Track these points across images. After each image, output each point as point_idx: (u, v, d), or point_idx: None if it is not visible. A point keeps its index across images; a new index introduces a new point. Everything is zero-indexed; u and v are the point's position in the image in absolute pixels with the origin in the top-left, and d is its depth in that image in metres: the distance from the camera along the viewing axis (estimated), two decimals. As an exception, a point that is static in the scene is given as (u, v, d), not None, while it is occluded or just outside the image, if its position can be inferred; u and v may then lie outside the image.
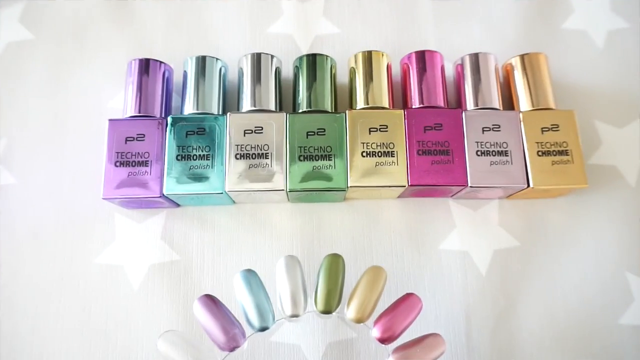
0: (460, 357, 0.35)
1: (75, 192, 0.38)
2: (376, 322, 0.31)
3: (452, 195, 0.38)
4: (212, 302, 0.30)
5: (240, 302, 0.30)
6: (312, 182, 0.34)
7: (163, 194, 0.34)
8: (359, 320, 0.30)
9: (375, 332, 0.30)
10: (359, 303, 0.31)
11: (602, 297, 0.37)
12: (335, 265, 0.32)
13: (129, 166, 0.35)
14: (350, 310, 0.31)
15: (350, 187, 0.34)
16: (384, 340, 0.30)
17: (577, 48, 0.43)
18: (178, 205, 0.38)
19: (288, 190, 0.34)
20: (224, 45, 0.43)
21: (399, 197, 0.38)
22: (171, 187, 0.34)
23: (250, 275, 0.31)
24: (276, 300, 0.31)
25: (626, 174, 0.40)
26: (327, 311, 0.31)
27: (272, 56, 0.38)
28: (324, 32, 0.43)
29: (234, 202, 0.38)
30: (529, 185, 0.35)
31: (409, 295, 0.31)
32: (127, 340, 0.35)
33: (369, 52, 0.38)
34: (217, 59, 0.38)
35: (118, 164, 0.35)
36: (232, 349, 0.29)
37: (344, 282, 0.32)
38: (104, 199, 0.34)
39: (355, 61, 0.38)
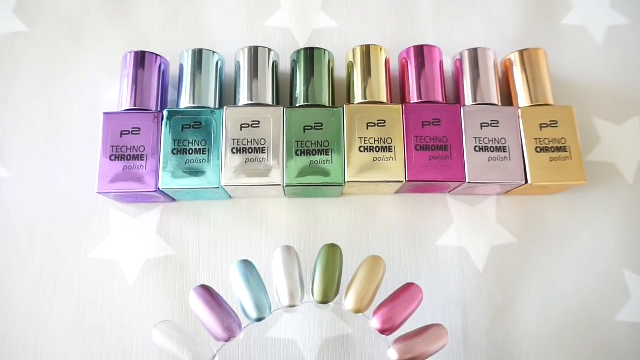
0: (456, 352, 0.35)
1: (70, 186, 0.38)
2: (376, 312, 0.30)
3: (450, 191, 0.38)
4: (208, 292, 0.30)
5: (236, 292, 0.30)
6: (309, 177, 0.34)
7: (158, 189, 0.34)
8: (358, 311, 0.30)
9: (375, 323, 0.30)
10: (358, 293, 0.30)
11: (599, 293, 0.37)
12: (332, 255, 0.31)
13: (124, 160, 0.34)
14: (348, 301, 0.30)
15: (348, 182, 0.34)
16: (384, 331, 0.30)
17: (577, 44, 0.43)
18: (174, 199, 0.38)
19: (285, 185, 0.34)
20: (221, 39, 0.42)
21: (396, 192, 0.38)
22: (167, 181, 0.34)
23: (247, 266, 0.31)
24: (273, 290, 0.31)
25: (624, 171, 0.40)
26: (324, 301, 0.30)
27: (270, 50, 0.37)
28: (322, 25, 0.43)
29: (230, 196, 0.38)
30: (527, 182, 0.35)
31: (409, 285, 0.31)
32: (122, 335, 0.35)
33: (367, 47, 0.37)
34: (214, 52, 0.37)
35: (113, 157, 0.34)
36: (227, 340, 0.29)
37: (342, 272, 0.31)
38: (98, 193, 0.34)
39: (354, 55, 0.38)
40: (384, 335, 0.30)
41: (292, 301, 0.30)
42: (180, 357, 0.29)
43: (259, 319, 0.30)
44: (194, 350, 0.29)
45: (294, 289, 0.30)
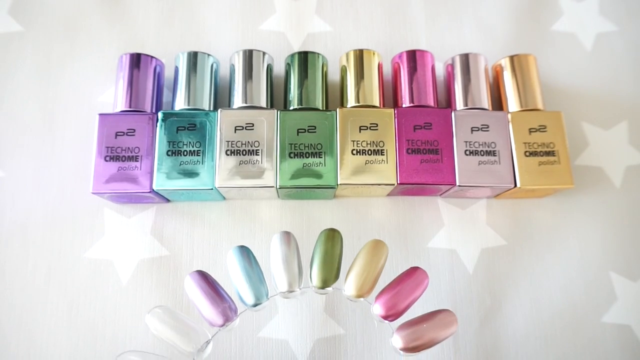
0: (446, 354, 0.36)
1: (64, 186, 0.38)
2: (378, 297, 0.29)
3: (441, 194, 0.38)
4: (203, 277, 0.30)
5: (233, 277, 0.30)
6: (302, 179, 0.35)
7: (153, 189, 0.34)
8: (359, 296, 0.29)
9: (378, 309, 0.29)
10: (358, 278, 0.29)
11: (586, 295, 0.38)
12: (332, 239, 0.31)
13: (119, 161, 0.35)
14: (348, 286, 0.29)
15: (340, 184, 0.35)
16: (387, 317, 0.29)
17: (566, 50, 0.44)
18: (168, 200, 0.38)
19: (278, 187, 0.35)
20: (216, 41, 0.42)
21: (388, 195, 0.39)
22: (161, 182, 0.34)
23: (244, 251, 0.30)
24: (271, 276, 0.31)
25: (612, 175, 0.41)
26: (323, 287, 0.29)
27: (264, 53, 0.38)
28: (316, 30, 0.43)
29: (224, 198, 0.38)
30: (516, 185, 0.36)
31: (414, 270, 0.30)
32: (116, 335, 0.35)
33: (361, 51, 0.38)
34: (208, 54, 0.38)
35: (108, 158, 0.35)
36: (222, 324, 0.28)
37: (342, 257, 0.31)
38: (93, 193, 0.34)
39: (347, 59, 0.38)
40: (387, 322, 0.29)
41: (290, 287, 0.29)
42: (175, 342, 0.28)
43: (256, 305, 0.29)
44: (188, 335, 0.29)
45: (292, 274, 0.29)
